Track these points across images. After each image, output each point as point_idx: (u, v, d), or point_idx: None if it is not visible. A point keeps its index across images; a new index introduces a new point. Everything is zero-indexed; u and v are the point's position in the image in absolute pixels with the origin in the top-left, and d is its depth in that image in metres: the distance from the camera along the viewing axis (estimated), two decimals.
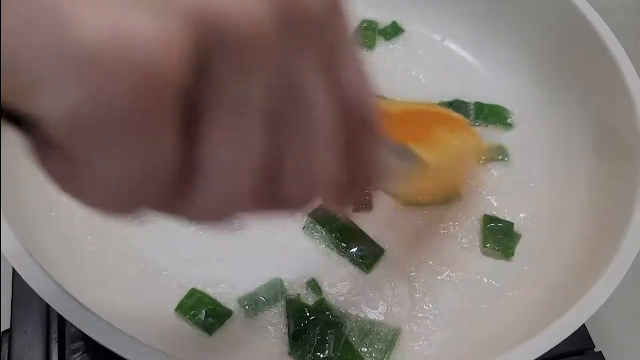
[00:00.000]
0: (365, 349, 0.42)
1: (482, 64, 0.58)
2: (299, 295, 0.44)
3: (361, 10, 0.60)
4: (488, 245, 0.46)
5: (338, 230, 0.46)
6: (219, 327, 0.42)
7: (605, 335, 0.51)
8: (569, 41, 0.52)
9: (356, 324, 0.43)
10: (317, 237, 0.46)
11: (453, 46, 0.59)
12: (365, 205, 0.27)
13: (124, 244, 0.45)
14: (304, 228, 0.47)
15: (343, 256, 0.46)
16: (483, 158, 0.50)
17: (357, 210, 0.26)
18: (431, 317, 0.44)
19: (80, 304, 0.33)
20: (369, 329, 0.42)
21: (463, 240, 0.47)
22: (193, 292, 0.43)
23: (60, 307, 0.33)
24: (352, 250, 0.45)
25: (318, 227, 0.46)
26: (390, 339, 0.42)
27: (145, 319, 0.42)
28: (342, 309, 0.43)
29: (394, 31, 0.59)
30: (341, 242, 0.46)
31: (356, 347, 0.42)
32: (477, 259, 0.46)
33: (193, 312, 0.42)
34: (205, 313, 0.42)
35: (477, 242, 0.47)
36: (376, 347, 0.42)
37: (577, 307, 0.37)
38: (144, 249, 0.45)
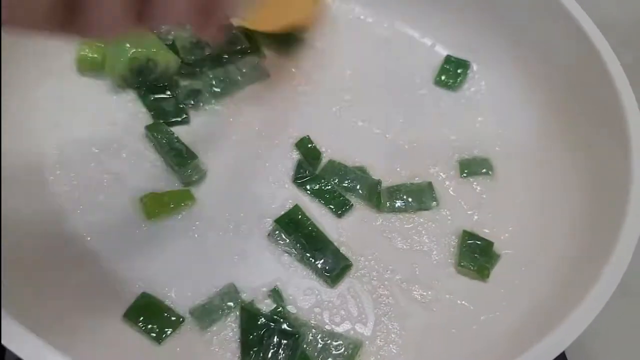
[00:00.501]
0: None
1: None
2: (253, 301, 0.41)
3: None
4: (463, 264, 0.43)
5: (304, 240, 0.43)
6: (169, 335, 0.39)
7: None
8: (563, 55, 0.49)
9: (314, 335, 0.40)
10: (281, 245, 0.43)
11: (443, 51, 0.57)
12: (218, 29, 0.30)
13: (74, 244, 0.42)
14: (268, 235, 0.44)
15: (307, 267, 0.43)
16: None
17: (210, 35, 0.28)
18: (396, 338, 0.40)
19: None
20: (327, 341, 0.39)
21: (437, 257, 0.44)
22: (143, 297, 0.40)
23: None
24: (317, 262, 0.42)
25: (283, 234, 0.43)
26: (349, 352, 0.39)
27: (91, 324, 0.39)
28: (300, 319, 0.40)
29: None
30: (306, 252, 0.43)
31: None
32: (450, 278, 0.43)
33: (142, 319, 0.39)
34: (155, 320, 0.39)
35: (452, 259, 0.44)
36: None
37: (555, 334, 0.34)
38: (95, 250, 0.42)
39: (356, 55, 0.55)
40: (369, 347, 0.40)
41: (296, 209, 0.45)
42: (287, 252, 0.43)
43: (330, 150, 0.49)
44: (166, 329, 0.39)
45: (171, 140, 0.46)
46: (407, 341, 0.40)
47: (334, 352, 0.39)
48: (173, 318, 0.40)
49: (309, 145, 0.48)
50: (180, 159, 0.46)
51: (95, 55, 0.49)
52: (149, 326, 0.39)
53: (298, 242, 0.43)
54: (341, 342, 0.39)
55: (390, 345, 0.40)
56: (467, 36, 0.55)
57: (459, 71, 0.54)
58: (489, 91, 0.54)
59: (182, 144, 0.46)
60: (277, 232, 0.44)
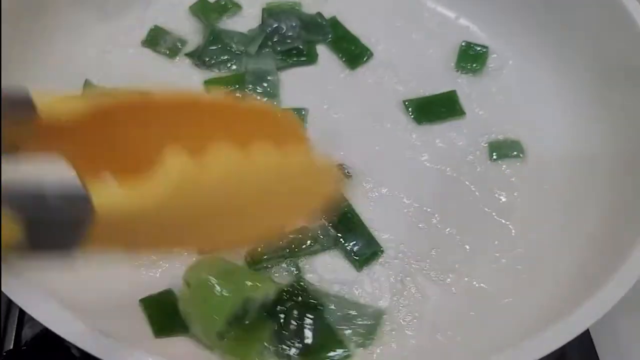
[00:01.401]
0: (346, 332, 0.39)
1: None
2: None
3: None
4: None
5: (338, 221, 0.43)
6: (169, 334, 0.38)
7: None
8: (604, 40, 0.47)
9: (336, 305, 0.40)
10: (314, 224, 0.43)
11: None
12: None
13: None
14: None
15: (336, 247, 0.43)
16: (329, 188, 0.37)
17: None
18: (414, 320, 0.40)
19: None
20: (349, 311, 0.39)
21: (459, 238, 0.44)
22: (168, 293, 0.39)
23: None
24: (347, 244, 0.42)
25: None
26: (372, 322, 0.39)
27: (109, 306, 0.39)
28: (320, 290, 0.40)
29: None
30: (337, 233, 0.43)
31: (336, 331, 0.39)
32: (472, 261, 0.43)
33: (153, 310, 0.38)
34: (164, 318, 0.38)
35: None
36: (358, 330, 0.39)
37: (575, 315, 0.33)
38: None
39: (388, 29, 0.55)
40: (386, 327, 0.40)
41: None
42: (319, 232, 0.43)
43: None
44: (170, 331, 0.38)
45: None
46: (425, 322, 0.40)
47: (357, 322, 0.39)
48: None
49: None
50: None
51: None
52: (156, 320, 0.38)
53: (331, 222, 0.43)
54: (365, 311, 0.39)
55: (407, 325, 0.40)
56: (497, 17, 0.55)
57: (477, 56, 0.54)
58: (519, 73, 0.53)
59: None
60: None
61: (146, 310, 0.39)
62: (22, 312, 0.43)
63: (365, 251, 0.42)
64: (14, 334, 0.41)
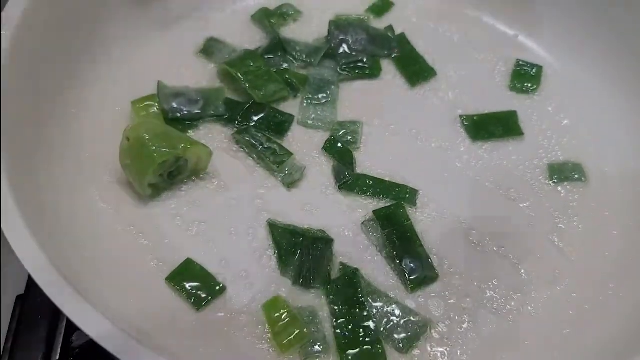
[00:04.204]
0: (390, 338, 0.38)
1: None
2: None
3: None
4: None
5: (397, 239, 0.42)
6: (209, 303, 0.39)
7: None
8: None
9: (385, 303, 0.39)
10: (372, 237, 0.43)
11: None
12: None
13: (125, 207, 0.43)
14: (362, 223, 0.43)
15: (391, 267, 0.42)
16: None
17: None
18: (466, 346, 0.39)
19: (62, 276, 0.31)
20: (397, 314, 0.39)
21: (518, 264, 0.43)
22: (188, 263, 0.41)
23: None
24: (402, 265, 0.41)
25: (378, 227, 0.43)
26: (417, 331, 0.38)
27: (134, 286, 0.39)
28: (372, 285, 0.41)
29: None
30: (394, 251, 0.42)
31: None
32: (531, 289, 0.42)
33: (184, 283, 0.40)
34: (196, 285, 0.40)
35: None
36: (402, 335, 0.38)
37: None
38: (146, 214, 0.43)
39: (448, 47, 0.55)
40: (432, 344, 0.39)
41: (399, 206, 0.44)
42: (375, 245, 0.43)
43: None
44: (206, 297, 0.39)
45: (262, 140, 0.47)
46: (477, 351, 0.39)
47: (401, 326, 0.39)
48: (214, 286, 0.40)
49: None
50: (276, 157, 0.46)
51: None
52: (190, 291, 0.39)
53: (389, 239, 0.42)
54: (411, 317, 0.39)
55: (458, 349, 0.39)
56: (556, 35, 0.54)
57: (531, 76, 0.53)
58: (581, 93, 0.52)
59: (275, 142, 0.47)
60: (373, 222, 0.43)
61: (176, 286, 0.40)
62: (69, 323, 0.42)
63: (419, 275, 0.41)
64: (60, 344, 0.42)
